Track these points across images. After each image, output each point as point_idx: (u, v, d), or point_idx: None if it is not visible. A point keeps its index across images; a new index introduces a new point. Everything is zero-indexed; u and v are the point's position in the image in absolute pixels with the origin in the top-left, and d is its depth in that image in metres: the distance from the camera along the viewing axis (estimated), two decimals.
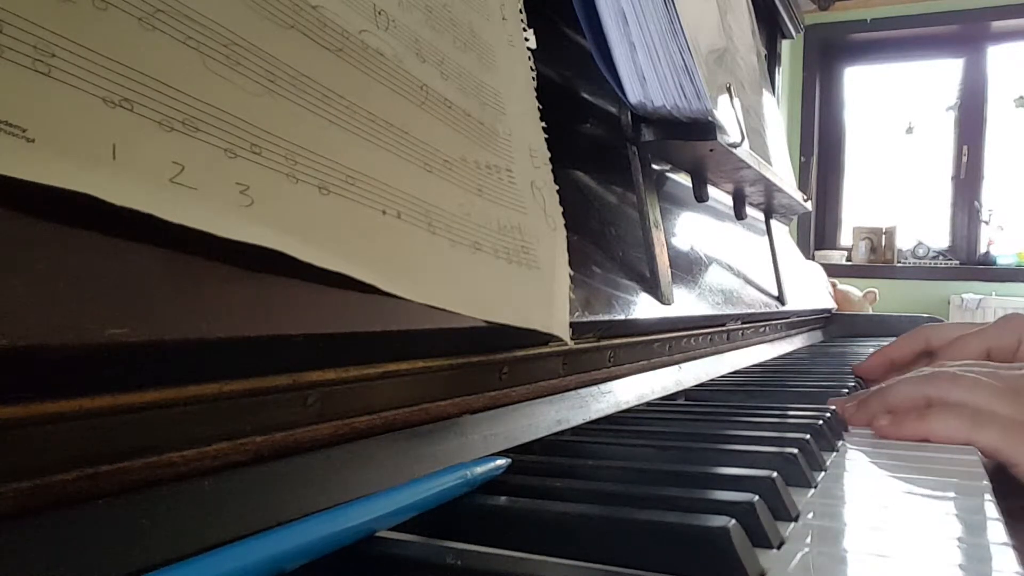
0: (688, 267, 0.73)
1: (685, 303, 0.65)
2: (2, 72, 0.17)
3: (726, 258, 0.88)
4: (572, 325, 0.39)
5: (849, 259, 3.52)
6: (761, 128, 0.91)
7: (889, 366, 0.67)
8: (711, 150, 0.64)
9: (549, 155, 0.42)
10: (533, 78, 0.42)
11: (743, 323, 0.84)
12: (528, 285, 0.36)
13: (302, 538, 0.22)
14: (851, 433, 0.48)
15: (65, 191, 0.18)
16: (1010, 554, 0.24)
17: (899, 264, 3.44)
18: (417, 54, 0.32)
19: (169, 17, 0.21)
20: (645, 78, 0.57)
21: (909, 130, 3.59)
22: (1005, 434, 0.43)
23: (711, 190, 0.81)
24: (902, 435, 0.46)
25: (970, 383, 0.46)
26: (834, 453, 0.42)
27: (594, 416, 0.47)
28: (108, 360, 0.19)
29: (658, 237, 0.61)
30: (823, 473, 0.37)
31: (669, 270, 0.62)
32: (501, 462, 0.32)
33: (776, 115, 1.12)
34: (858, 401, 0.51)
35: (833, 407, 0.50)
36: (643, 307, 0.55)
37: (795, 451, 0.35)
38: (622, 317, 0.50)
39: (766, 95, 1.01)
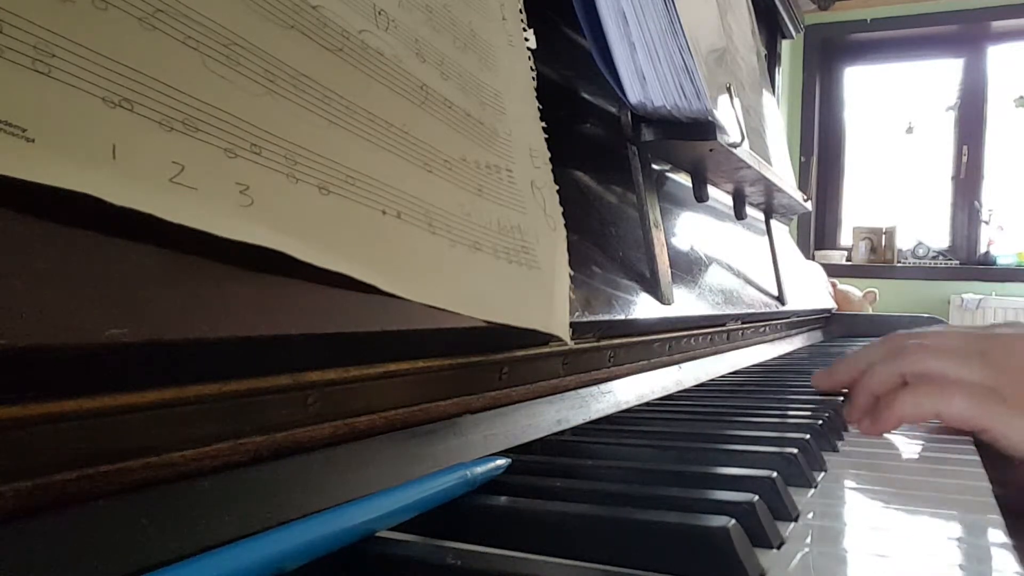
0: (688, 267, 0.73)
1: (685, 303, 0.65)
2: (2, 72, 0.17)
3: (726, 258, 0.88)
4: (572, 325, 0.39)
5: (849, 259, 3.52)
6: (761, 128, 0.91)
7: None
8: (711, 150, 0.64)
9: (549, 155, 0.42)
10: (533, 78, 0.42)
11: (743, 323, 0.84)
12: (528, 285, 0.36)
13: (302, 538, 0.22)
14: (851, 433, 0.48)
15: (65, 191, 0.18)
16: (1010, 554, 0.24)
17: (899, 264, 3.44)
18: (417, 54, 0.32)
19: (169, 17, 0.21)
20: (645, 78, 0.57)
21: (909, 130, 3.59)
22: (971, 402, 0.42)
23: (711, 190, 0.81)
24: (883, 429, 0.44)
25: (942, 352, 0.45)
26: (834, 453, 0.42)
27: (594, 416, 0.47)
28: (108, 360, 0.19)
29: (658, 237, 0.61)
30: (823, 473, 0.37)
31: (669, 270, 0.62)
32: (501, 462, 0.32)
33: (776, 115, 1.12)
34: (851, 402, 0.51)
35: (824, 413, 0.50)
36: (643, 307, 0.55)
37: (795, 451, 0.35)
38: (622, 317, 0.50)
39: (766, 95, 1.01)
